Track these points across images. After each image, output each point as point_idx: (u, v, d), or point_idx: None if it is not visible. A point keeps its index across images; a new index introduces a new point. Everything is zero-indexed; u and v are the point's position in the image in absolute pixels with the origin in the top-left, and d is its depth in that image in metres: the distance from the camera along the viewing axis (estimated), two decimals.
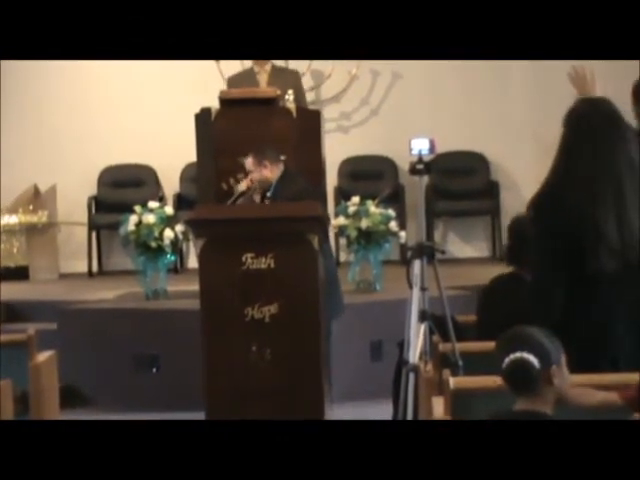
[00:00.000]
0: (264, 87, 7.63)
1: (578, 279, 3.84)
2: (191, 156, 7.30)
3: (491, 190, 9.68)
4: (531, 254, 4.04)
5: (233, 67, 8.79)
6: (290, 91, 7.23)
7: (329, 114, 9.34)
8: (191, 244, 8.40)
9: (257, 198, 6.43)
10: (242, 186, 6.44)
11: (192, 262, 9.02)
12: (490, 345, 3.82)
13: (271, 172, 6.31)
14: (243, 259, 5.70)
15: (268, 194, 6.36)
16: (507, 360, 3.09)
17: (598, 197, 3.81)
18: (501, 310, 4.57)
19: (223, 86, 8.39)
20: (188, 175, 9.34)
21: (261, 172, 6.31)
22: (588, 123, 3.92)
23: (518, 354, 3.07)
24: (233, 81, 7.92)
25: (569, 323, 3.80)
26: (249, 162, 6.37)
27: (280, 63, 8.06)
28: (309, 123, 6.94)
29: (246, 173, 6.59)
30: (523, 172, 9.60)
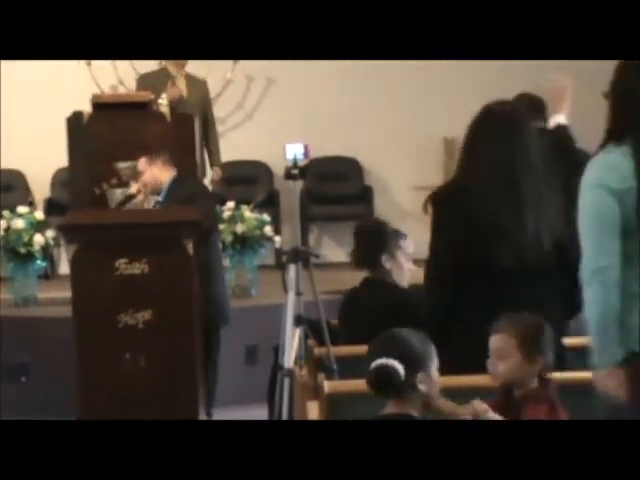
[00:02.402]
0: (177, 91, 7.65)
1: (478, 276, 3.89)
2: (63, 161, 7.18)
3: (365, 195, 9.78)
4: (429, 249, 4.08)
5: (103, 68, 8.70)
6: (164, 95, 7.20)
7: None
8: (62, 250, 8.27)
9: (148, 204, 6.33)
10: (132, 189, 6.33)
11: (64, 268, 8.87)
12: (364, 349, 3.85)
13: (160, 172, 6.21)
14: (116, 265, 5.62)
15: (160, 198, 6.25)
16: (372, 365, 3.10)
17: (497, 197, 3.88)
18: (358, 316, 4.65)
19: (94, 88, 8.30)
20: (60, 180, 9.17)
21: (152, 171, 6.20)
22: (488, 125, 3.99)
23: (383, 360, 3.08)
24: (146, 79, 7.84)
25: (468, 319, 3.85)
26: (141, 162, 6.27)
27: (190, 70, 8.05)
28: (184, 127, 6.90)
29: (119, 177, 6.51)
30: (396, 177, 9.72)
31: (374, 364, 3.10)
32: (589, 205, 3.32)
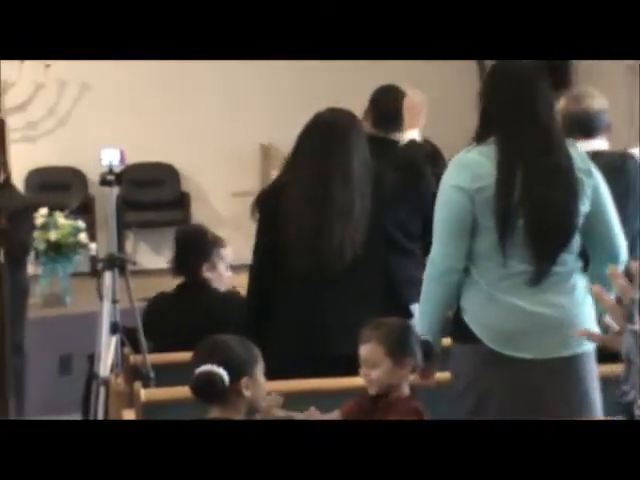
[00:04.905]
0: None
1: (284, 279, 3.92)
2: None
3: (181, 201, 9.75)
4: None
5: None
6: None
7: (15, 123, 9.07)
8: None
9: None
10: None
11: None
12: (181, 356, 3.84)
13: None
14: None
15: None
16: (196, 372, 3.09)
17: (304, 204, 3.90)
18: (169, 323, 4.63)
19: None
20: None
21: None
22: (313, 131, 3.99)
23: (208, 367, 3.07)
24: None
25: (279, 325, 3.88)
26: None
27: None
28: None
29: None
30: (213, 183, 9.71)
31: (197, 371, 3.08)
32: (442, 205, 3.42)
